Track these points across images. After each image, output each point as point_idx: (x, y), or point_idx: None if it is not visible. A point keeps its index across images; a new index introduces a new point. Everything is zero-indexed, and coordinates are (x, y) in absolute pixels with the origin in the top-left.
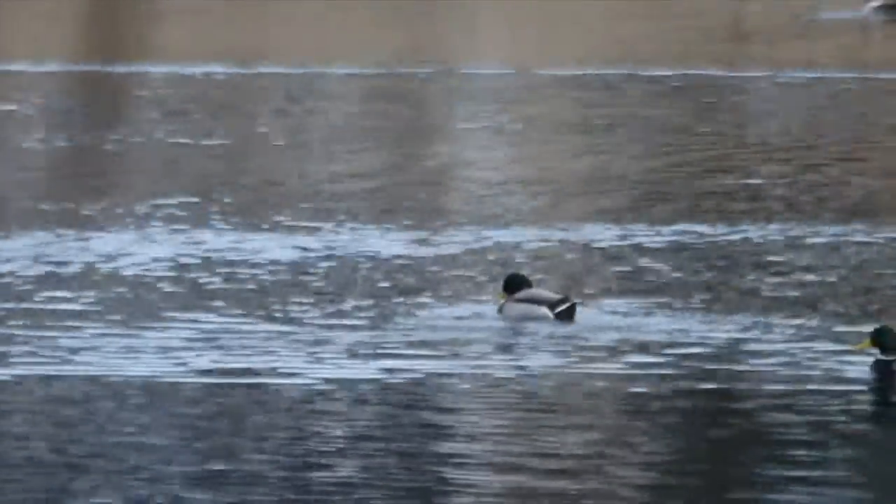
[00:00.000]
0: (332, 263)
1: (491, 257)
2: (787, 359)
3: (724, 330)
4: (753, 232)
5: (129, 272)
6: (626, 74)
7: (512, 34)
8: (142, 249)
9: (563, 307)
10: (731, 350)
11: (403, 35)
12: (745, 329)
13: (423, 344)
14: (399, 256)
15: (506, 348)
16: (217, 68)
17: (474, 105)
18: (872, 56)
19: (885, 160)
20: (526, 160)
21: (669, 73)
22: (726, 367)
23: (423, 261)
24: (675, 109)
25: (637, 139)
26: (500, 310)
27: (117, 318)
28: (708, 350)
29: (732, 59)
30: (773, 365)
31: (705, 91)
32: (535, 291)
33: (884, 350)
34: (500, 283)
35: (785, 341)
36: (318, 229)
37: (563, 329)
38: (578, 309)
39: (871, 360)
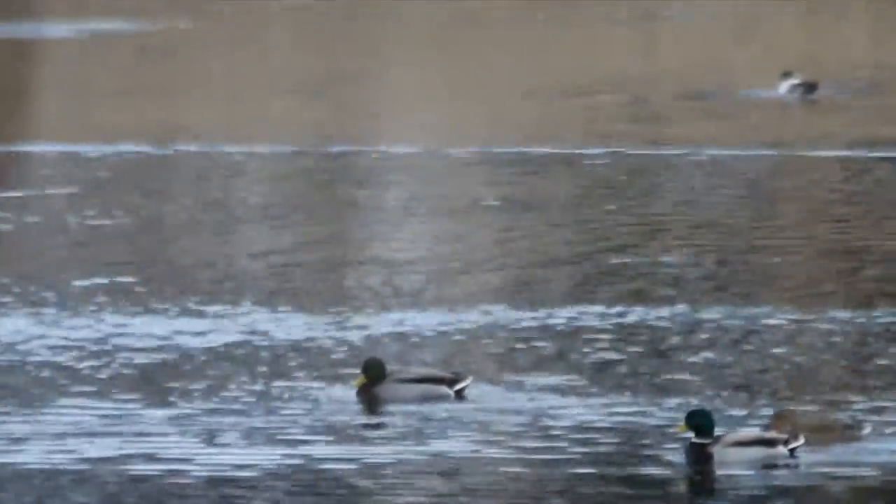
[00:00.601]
0: (225, 345)
1: (386, 339)
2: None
3: (622, 412)
4: (654, 313)
5: (21, 357)
6: (539, 152)
7: (424, 112)
8: (37, 333)
9: (462, 385)
10: (629, 431)
11: (318, 113)
12: (640, 411)
13: (315, 429)
14: (293, 339)
15: (404, 430)
16: (134, 146)
17: (385, 183)
18: (789, 134)
19: (795, 241)
20: (434, 239)
21: (582, 150)
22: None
23: (314, 343)
24: (586, 187)
25: (548, 217)
26: (388, 391)
27: (6, 404)
28: (608, 433)
29: (647, 137)
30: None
31: (618, 168)
32: (425, 370)
33: (698, 433)
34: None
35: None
36: (216, 311)
37: (461, 408)
38: (474, 387)
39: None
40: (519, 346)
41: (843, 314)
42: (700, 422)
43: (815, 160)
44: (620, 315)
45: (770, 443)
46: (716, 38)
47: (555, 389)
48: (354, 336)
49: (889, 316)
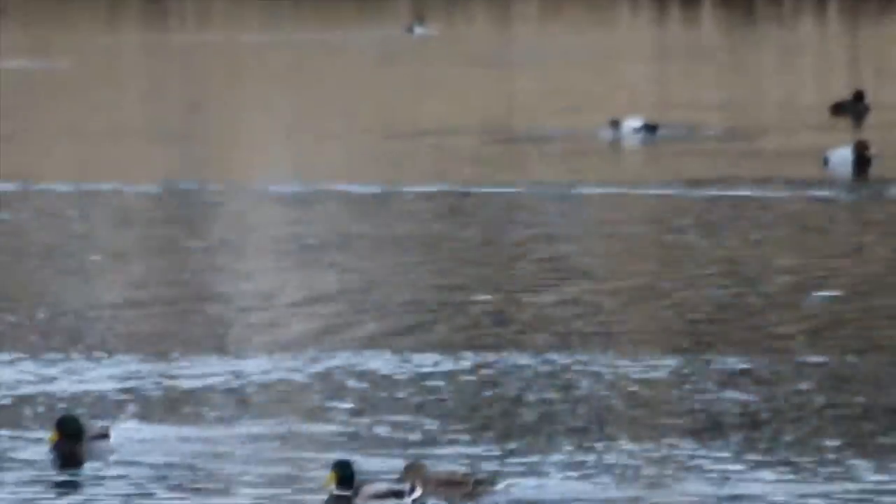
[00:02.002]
0: (55, 395)
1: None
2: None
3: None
4: (507, 359)
5: None
6: (388, 191)
7: (281, 150)
8: None
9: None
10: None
11: (184, 150)
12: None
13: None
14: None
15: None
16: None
17: (238, 222)
18: (629, 175)
19: (640, 283)
20: (293, 280)
21: (431, 189)
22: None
23: (165, 388)
24: (435, 226)
25: (403, 257)
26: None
27: None
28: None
29: (497, 177)
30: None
31: (468, 207)
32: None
33: (340, 484)
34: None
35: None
36: (52, 359)
37: None
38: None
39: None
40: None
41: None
42: (343, 473)
43: (652, 199)
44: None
45: (398, 494)
46: (566, 80)
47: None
48: (180, 382)
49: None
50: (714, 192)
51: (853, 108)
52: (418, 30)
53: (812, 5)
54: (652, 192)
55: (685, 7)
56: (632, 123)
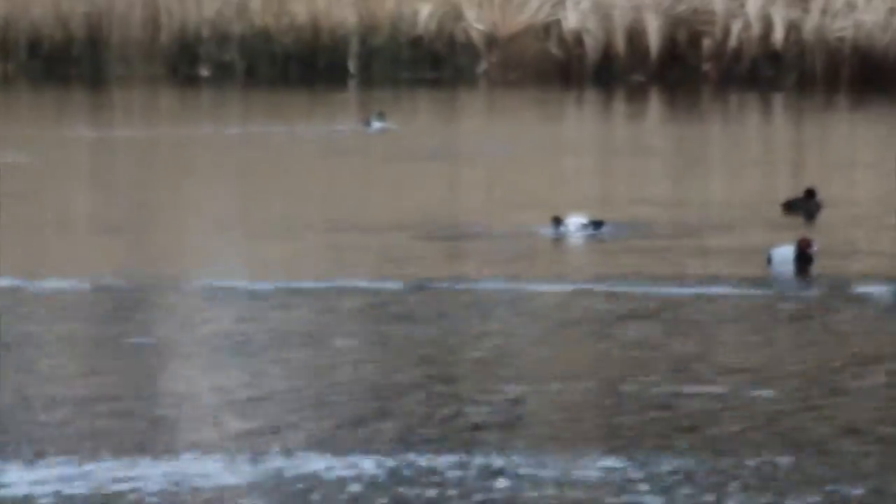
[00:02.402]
0: None
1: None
2: None
3: None
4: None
5: None
6: (331, 287)
7: (224, 246)
8: None
9: None
10: None
11: (126, 245)
12: None
13: None
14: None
15: None
16: None
17: (186, 319)
18: (573, 272)
19: (580, 381)
20: (233, 378)
21: (374, 285)
22: None
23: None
24: (378, 322)
25: (347, 355)
26: None
27: None
28: None
29: (439, 273)
30: None
31: (411, 303)
32: None
33: None
34: None
35: None
36: None
37: None
38: None
39: None
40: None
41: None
42: None
43: (595, 296)
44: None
45: None
46: (512, 175)
47: None
48: (112, 486)
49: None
50: (658, 288)
51: (805, 205)
52: (376, 124)
53: (757, 101)
54: (595, 288)
55: (631, 102)
56: (576, 220)
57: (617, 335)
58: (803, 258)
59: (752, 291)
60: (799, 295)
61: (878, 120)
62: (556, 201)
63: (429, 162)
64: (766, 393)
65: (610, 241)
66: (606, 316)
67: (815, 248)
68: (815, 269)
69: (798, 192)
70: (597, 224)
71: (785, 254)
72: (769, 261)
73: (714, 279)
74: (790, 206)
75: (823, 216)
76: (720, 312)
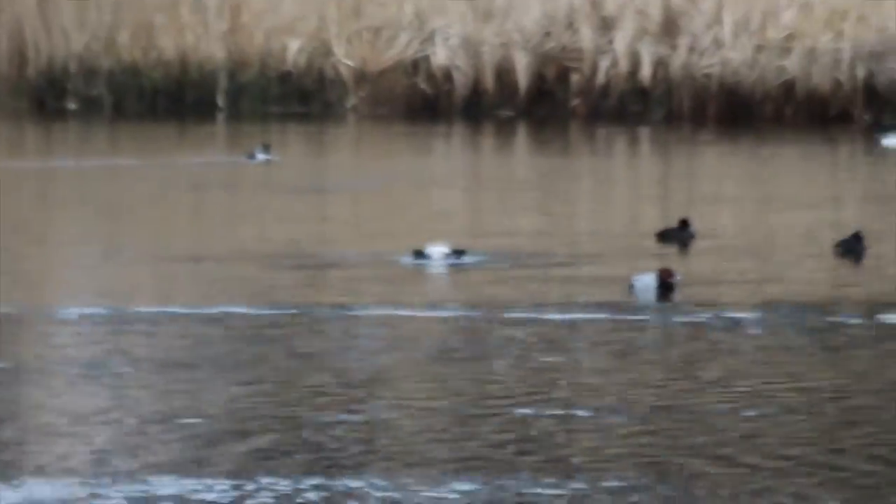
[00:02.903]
0: None
1: None
2: None
3: None
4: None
5: None
6: (194, 314)
7: (90, 274)
8: None
9: None
10: None
11: None
12: None
13: None
14: None
15: None
16: None
17: (49, 345)
18: (430, 299)
19: (436, 405)
20: (93, 404)
21: (247, 311)
22: None
23: None
24: (250, 349)
25: (212, 381)
26: None
27: None
28: None
29: (309, 300)
30: None
31: (288, 330)
32: None
33: None
34: None
35: None
36: None
37: None
38: None
39: None
40: None
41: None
42: None
43: (452, 322)
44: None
45: None
46: (381, 208)
47: None
48: None
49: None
50: (518, 314)
51: (679, 235)
52: (260, 156)
53: (625, 135)
54: (453, 314)
55: (499, 137)
56: (438, 249)
57: (476, 360)
58: (665, 286)
59: (613, 317)
60: (659, 322)
61: (744, 154)
62: (422, 232)
63: (304, 194)
64: (620, 417)
65: (473, 270)
66: (465, 341)
67: (676, 277)
68: (679, 296)
69: (671, 222)
70: (458, 253)
71: (647, 282)
72: (631, 288)
73: (576, 306)
74: (664, 236)
75: (697, 246)
76: (580, 338)
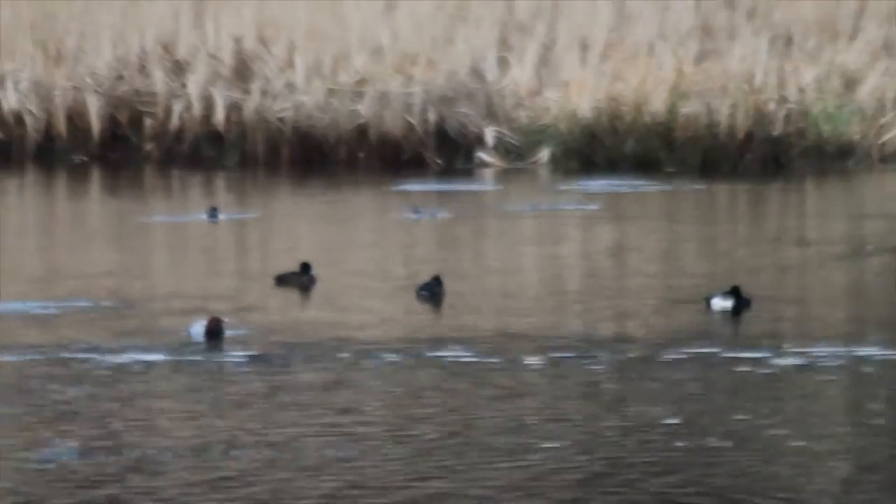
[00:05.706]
0: None
1: None
2: None
3: None
4: None
5: None
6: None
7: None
8: None
9: None
10: None
11: None
12: None
13: None
14: None
15: None
16: None
17: None
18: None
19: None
20: None
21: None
22: None
23: None
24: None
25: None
26: None
27: None
28: None
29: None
30: None
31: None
32: None
33: None
34: None
35: None
36: None
37: None
38: None
39: None
40: None
41: None
42: None
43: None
44: None
45: None
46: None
47: None
48: None
49: None
50: (87, 355)
51: (298, 279)
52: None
53: (200, 180)
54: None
55: (72, 182)
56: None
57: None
58: (212, 333)
59: (168, 358)
60: (207, 363)
61: (318, 197)
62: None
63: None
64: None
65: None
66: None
67: (224, 322)
68: (225, 343)
69: (294, 266)
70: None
71: (197, 329)
72: (190, 334)
73: (143, 348)
74: (283, 280)
75: (319, 289)
76: (148, 382)
